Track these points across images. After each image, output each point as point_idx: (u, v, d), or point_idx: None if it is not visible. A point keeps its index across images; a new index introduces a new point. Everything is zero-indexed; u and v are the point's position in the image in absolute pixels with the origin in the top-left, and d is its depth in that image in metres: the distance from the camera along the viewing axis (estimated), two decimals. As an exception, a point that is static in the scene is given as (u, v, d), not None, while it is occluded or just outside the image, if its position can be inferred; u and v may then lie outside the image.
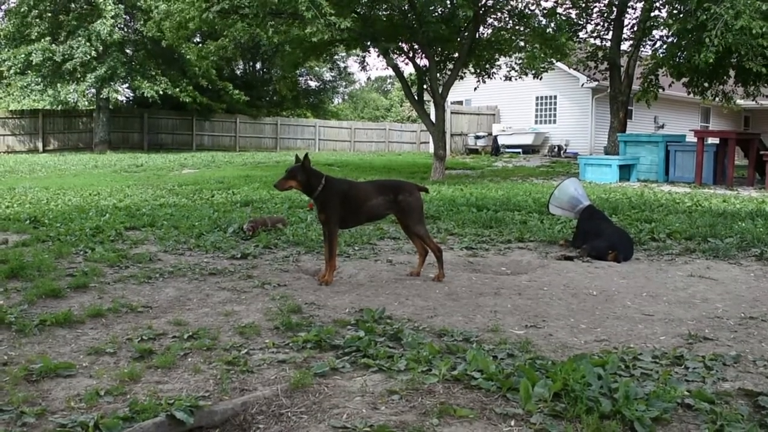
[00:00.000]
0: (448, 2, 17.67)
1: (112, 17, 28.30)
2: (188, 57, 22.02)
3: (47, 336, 4.04)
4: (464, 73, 21.12)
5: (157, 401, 3.01)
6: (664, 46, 20.64)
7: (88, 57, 28.28)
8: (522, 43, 18.96)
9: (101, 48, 28.60)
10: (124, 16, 30.39)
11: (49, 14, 29.28)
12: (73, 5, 30.29)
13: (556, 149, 28.87)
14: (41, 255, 6.31)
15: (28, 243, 7.15)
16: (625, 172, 17.73)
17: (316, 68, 44.40)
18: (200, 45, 19.96)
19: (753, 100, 23.37)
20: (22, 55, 28.09)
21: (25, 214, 9.28)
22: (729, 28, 15.26)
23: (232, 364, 3.55)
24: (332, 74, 51.18)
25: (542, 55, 17.97)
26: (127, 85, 32.68)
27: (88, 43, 28.34)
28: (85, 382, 3.32)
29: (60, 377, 3.37)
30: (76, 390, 3.21)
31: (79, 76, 29.12)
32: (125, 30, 30.75)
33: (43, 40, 28.40)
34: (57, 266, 5.97)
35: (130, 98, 38.52)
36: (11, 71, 28.73)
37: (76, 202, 11.21)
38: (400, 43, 18.63)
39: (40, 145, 31.82)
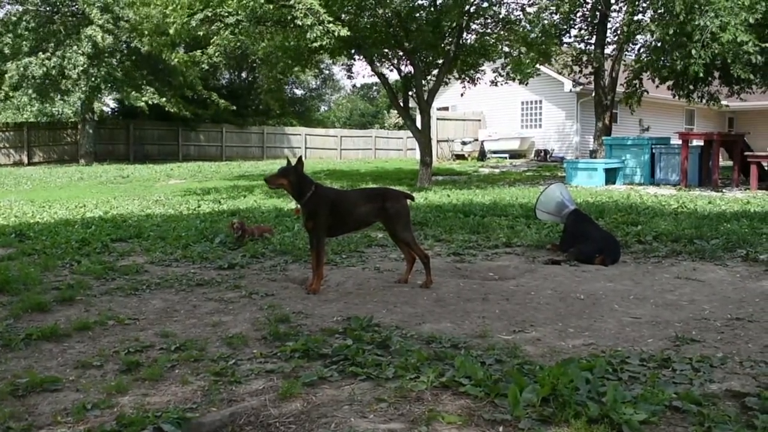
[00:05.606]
0: (432, 9, 17.70)
1: (99, 23, 28.25)
2: (173, 64, 22.02)
3: (33, 350, 4.01)
4: (449, 79, 21.16)
5: (145, 414, 2.99)
6: (648, 51, 20.76)
7: (85, 65, 28.20)
8: (507, 48, 19.02)
9: (92, 54, 28.51)
10: (111, 26, 30.33)
11: (34, 25, 29.12)
12: (57, 17, 30.16)
13: (542, 153, 28.98)
14: (27, 269, 6.26)
15: (13, 257, 7.10)
16: (611, 175, 17.82)
17: (302, 76, 44.39)
18: (185, 54, 19.84)
19: (738, 97, 23.48)
20: (21, 69, 27.93)
21: (11, 228, 9.22)
22: (715, 38, 15.33)
23: (220, 375, 3.54)
24: (318, 82, 51.22)
25: (528, 61, 18.04)
26: (114, 95, 32.52)
27: (79, 50, 28.24)
28: (72, 395, 3.30)
29: (47, 391, 3.34)
30: (63, 404, 3.19)
31: (70, 87, 28.97)
32: (113, 40, 30.68)
33: (40, 53, 28.29)
34: (43, 280, 5.94)
35: (116, 109, 38.33)
36: (7, 86, 28.51)
37: (62, 215, 11.14)
38: (385, 50, 18.65)
39: (25, 158, 31.61)
